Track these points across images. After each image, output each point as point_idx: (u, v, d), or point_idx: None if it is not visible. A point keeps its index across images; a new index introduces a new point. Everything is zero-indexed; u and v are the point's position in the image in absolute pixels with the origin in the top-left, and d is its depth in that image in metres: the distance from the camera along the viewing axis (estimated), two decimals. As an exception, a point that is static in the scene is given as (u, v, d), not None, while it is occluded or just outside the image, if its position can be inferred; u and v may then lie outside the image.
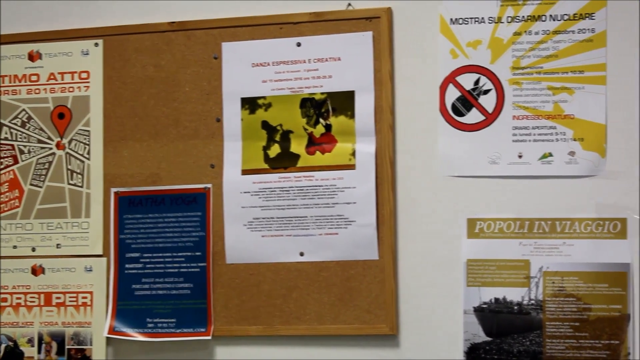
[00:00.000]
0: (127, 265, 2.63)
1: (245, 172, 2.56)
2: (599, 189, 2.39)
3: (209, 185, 2.58)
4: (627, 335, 2.35)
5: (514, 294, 2.42)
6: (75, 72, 2.67)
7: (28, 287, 2.67)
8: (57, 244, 2.65)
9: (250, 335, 2.55)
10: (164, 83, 2.62)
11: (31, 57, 2.69)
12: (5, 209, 2.69)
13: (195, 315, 2.57)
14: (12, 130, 2.70)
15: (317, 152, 2.51)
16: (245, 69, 2.56)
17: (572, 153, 2.39)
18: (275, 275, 2.54)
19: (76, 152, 2.65)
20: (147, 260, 2.61)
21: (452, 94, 2.47)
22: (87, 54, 2.66)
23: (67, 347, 2.65)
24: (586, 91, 2.39)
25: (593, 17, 2.39)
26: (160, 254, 2.61)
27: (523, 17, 2.43)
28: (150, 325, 2.60)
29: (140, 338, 2.60)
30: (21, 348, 2.67)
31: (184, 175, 2.60)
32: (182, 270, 2.58)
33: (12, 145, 2.69)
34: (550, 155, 2.41)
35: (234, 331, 2.56)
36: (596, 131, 2.38)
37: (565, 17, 2.40)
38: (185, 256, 2.59)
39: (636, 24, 2.37)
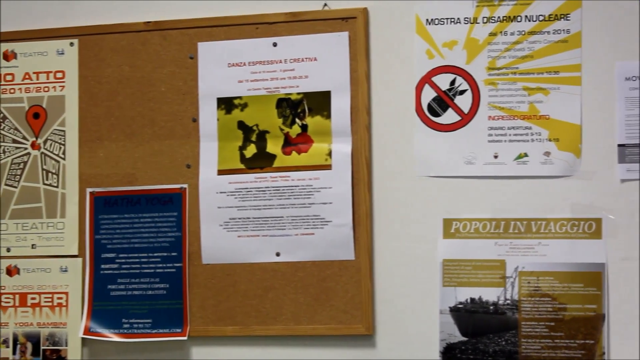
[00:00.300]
0: (102, 266, 2.57)
1: (221, 172, 2.51)
2: (574, 189, 2.36)
3: (185, 186, 2.54)
4: (602, 335, 2.33)
5: (490, 294, 2.39)
6: (51, 72, 2.62)
7: (3, 287, 2.61)
8: (32, 245, 2.60)
9: (226, 336, 2.51)
10: (139, 83, 2.57)
11: (6, 56, 2.64)
12: (-20, 209, 2.61)
13: (171, 316, 2.53)
14: (-14, 130, 2.62)
15: (293, 152, 2.47)
16: (221, 69, 2.51)
17: (547, 153, 2.37)
18: (251, 276, 2.50)
19: (51, 152, 2.59)
20: (123, 260, 2.57)
21: (428, 95, 2.44)
22: (63, 53, 2.60)
23: (42, 347, 2.60)
24: (561, 92, 2.37)
25: (568, 18, 2.36)
26: (136, 255, 2.56)
27: (499, 17, 2.39)
28: (126, 325, 2.55)
29: (116, 339, 2.55)
30: (-4, 349, 2.60)
31: (159, 176, 2.55)
32: (157, 270, 2.54)
33: (-13, 145, 2.62)
34: (526, 155, 2.38)
35: (210, 331, 2.52)
36: (571, 131, 2.36)
37: (541, 18, 2.38)
38: (161, 256, 2.54)
39: (611, 24, 2.35)
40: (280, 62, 2.49)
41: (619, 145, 2.34)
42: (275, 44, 2.49)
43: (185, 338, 2.52)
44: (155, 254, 2.55)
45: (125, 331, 2.55)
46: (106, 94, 2.59)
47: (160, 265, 2.54)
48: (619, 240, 2.34)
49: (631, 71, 2.34)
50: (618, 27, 2.34)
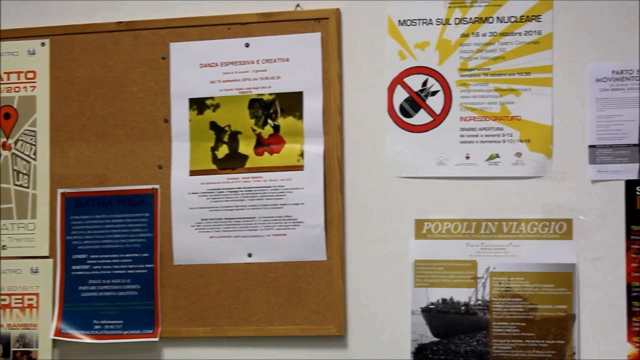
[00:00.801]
0: (73, 267, 2.49)
1: (193, 172, 2.44)
2: (545, 190, 2.32)
3: (157, 186, 2.46)
4: (573, 335, 2.28)
5: (461, 295, 2.34)
6: (22, 72, 2.54)
7: (-27, 289, 2.51)
8: (3, 246, 2.52)
9: (198, 337, 2.45)
10: (111, 83, 2.49)
11: (-24, 57, 2.55)
12: (-49, 209, 2.53)
13: (142, 317, 2.46)
14: (-43, 130, 2.54)
15: (266, 153, 2.40)
16: (193, 69, 2.44)
17: (518, 154, 2.31)
18: (223, 277, 2.43)
19: (22, 153, 2.51)
20: (94, 261, 2.49)
21: (400, 95, 2.38)
22: (34, 53, 2.52)
23: (12, 349, 2.51)
24: (533, 93, 2.32)
25: (540, 20, 2.31)
26: (107, 255, 2.48)
27: (471, 19, 2.34)
28: (97, 327, 2.48)
29: (87, 340, 2.48)
30: (-34, 350, 2.52)
31: (131, 176, 2.48)
32: (129, 271, 2.47)
33: (-42, 146, 2.54)
34: (497, 156, 2.33)
35: (181, 332, 2.45)
36: (542, 132, 2.31)
37: (512, 19, 2.33)
38: (133, 257, 2.47)
39: (582, 26, 2.31)
40: (253, 62, 2.43)
41: (590, 146, 2.30)
42: (247, 45, 2.43)
43: (156, 339, 2.45)
44: (127, 255, 2.47)
45: (96, 332, 2.48)
46: (78, 94, 2.51)
47: (132, 266, 2.47)
48: (589, 240, 2.30)
49: (602, 72, 2.29)
50: (589, 28, 2.30)
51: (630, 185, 2.28)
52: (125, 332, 2.46)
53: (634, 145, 2.28)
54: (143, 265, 2.46)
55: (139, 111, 2.48)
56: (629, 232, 2.28)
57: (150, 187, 2.47)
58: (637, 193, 2.28)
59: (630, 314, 2.28)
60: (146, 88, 2.48)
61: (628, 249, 2.28)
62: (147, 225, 2.47)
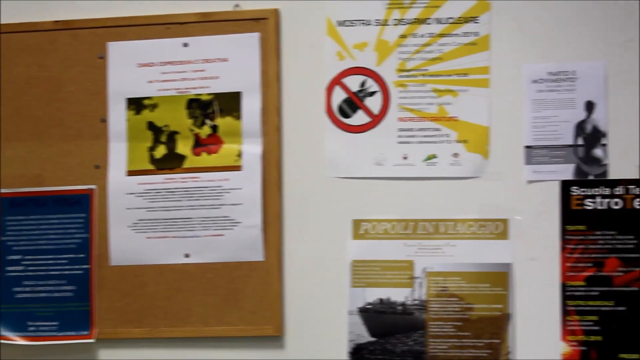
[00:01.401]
0: (8, 268, 2.38)
1: (130, 173, 2.35)
2: (482, 190, 2.26)
3: (94, 187, 2.36)
4: (508, 335, 2.23)
5: (398, 295, 2.27)
6: (-43, 71, 2.40)
7: None
8: None
9: (134, 338, 2.35)
10: (48, 83, 2.38)
11: None
12: None
13: (78, 318, 2.35)
14: None
15: (204, 153, 2.32)
16: (131, 69, 2.35)
17: (456, 155, 2.25)
18: (160, 277, 2.34)
19: (-43, 153, 2.38)
20: (29, 262, 2.38)
21: (339, 96, 2.31)
22: (-31, 52, 2.39)
23: (-55, 351, 2.37)
24: (470, 94, 2.26)
25: (477, 21, 2.25)
26: (43, 256, 2.37)
27: (409, 19, 2.28)
28: (32, 328, 2.37)
29: (22, 342, 2.37)
30: None
31: (67, 177, 2.37)
32: (65, 272, 2.36)
33: None
34: (435, 157, 2.27)
35: (118, 334, 2.35)
36: (479, 133, 2.25)
37: (450, 21, 2.26)
38: (69, 258, 2.36)
39: (519, 27, 2.25)
40: (191, 62, 2.34)
41: (526, 147, 2.25)
42: (186, 44, 2.34)
43: (92, 340, 2.35)
44: (63, 256, 2.36)
45: (32, 334, 2.37)
46: (14, 93, 2.40)
47: (68, 267, 2.36)
48: (525, 240, 2.25)
49: (538, 74, 2.24)
50: (526, 30, 2.25)
51: (565, 185, 2.24)
52: (60, 334, 2.36)
53: (569, 146, 2.23)
54: (79, 266, 2.36)
55: (76, 111, 2.37)
56: (563, 232, 2.24)
57: (86, 187, 2.37)
58: (572, 193, 2.23)
59: (565, 313, 2.23)
60: (83, 88, 2.37)
61: (563, 248, 2.23)
62: (83, 225, 2.36)
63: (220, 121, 2.32)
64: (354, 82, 2.31)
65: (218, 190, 2.31)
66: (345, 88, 2.30)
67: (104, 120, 2.36)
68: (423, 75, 2.28)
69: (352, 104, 2.30)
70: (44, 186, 2.38)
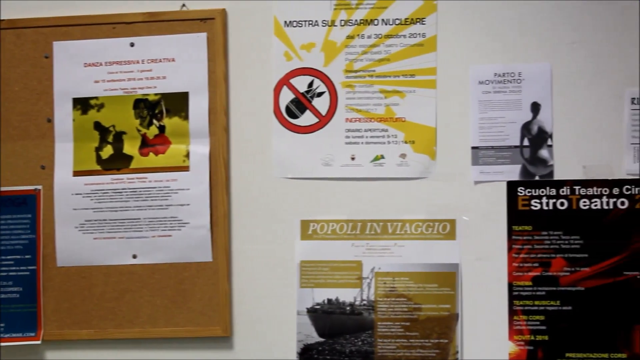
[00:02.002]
0: (-48, 269, 2.29)
1: (76, 173, 2.26)
2: (430, 191, 2.22)
3: (40, 187, 2.28)
4: (456, 334, 2.19)
5: (347, 295, 2.22)
6: None
7: None
8: None
9: (81, 339, 2.29)
10: (-7, 82, 2.29)
11: None
12: None
13: (24, 320, 2.28)
14: None
15: (151, 154, 2.24)
16: (77, 68, 2.26)
17: (403, 155, 2.19)
18: (107, 278, 2.27)
19: None
20: (-25, 263, 2.29)
21: (286, 96, 2.24)
22: None
23: None
24: (417, 95, 2.20)
25: (424, 22, 2.19)
26: (-12, 257, 2.28)
27: (356, 20, 2.21)
28: (-23, 330, 2.29)
29: (-32, 343, 2.28)
30: None
31: (13, 177, 2.29)
32: (10, 273, 2.28)
33: None
34: (382, 157, 2.21)
35: (65, 335, 2.28)
36: (426, 134, 2.19)
37: (397, 22, 2.21)
38: (14, 259, 2.28)
39: (466, 28, 2.20)
40: (138, 62, 2.26)
41: (473, 148, 2.20)
42: (132, 44, 2.25)
43: (39, 342, 2.28)
44: (8, 257, 2.28)
45: (-23, 335, 2.29)
46: (-42, 93, 2.30)
47: (13, 268, 2.28)
48: (472, 241, 2.21)
49: (485, 75, 2.19)
50: (472, 31, 2.20)
51: (511, 186, 2.19)
52: (6, 335, 2.28)
53: (515, 146, 2.18)
54: (25, 267, 2.28)
55: (21, 111, 2.29)
56: (510, 233, 2.19)
57: (32, 187, 2.28)
58: (519, 194, 2.18)
59: (512, 312, 2.20)
60: (28, 87, 2.28)
61: (509, 249, 2.19)
62: (29, 226, 2.28)
63: (168, 121, 2.24)
64: (301, 83, 2.24)
65: (166, 190, 2.24)
66: (292, 89, 2.23)
67: (50, 120, 2.28)
68: (370, 76, 2.22)
69: (300, 104, 2.24)
70: (-11, 187, 2.31)
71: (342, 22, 2.22)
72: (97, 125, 2.26)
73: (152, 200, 2.24)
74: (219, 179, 2.23)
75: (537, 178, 2.18)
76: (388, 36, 2.21)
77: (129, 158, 2.25)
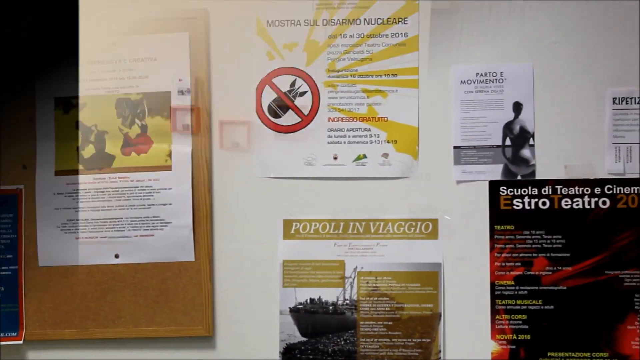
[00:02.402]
0: None
1: (58, 172, 2.23)
2: (412, 191, 2.19)
3: (21, 187, 2.24)
4: (438, 334, 2.17)
5: (329, 294, 2.19)
6: None
7: None
8: None
9: (64, 339, 2.25)
10: (-26, 81, 2.25)
11: None
12: None
13: (6, 320, 2.24)
14: None
15: (133, 153, 2.20)
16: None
17: (385, 155, 2.16)
18: (89, 278, 2.23)
19: None
20: (-44, 263, 2.25)
21: (269, 96, 2.21)
22: None
23: None
24: (399, 94, 2.17)
25: (406, 22, 2.16)
26: (-30, 257, 2.25)
27: (338, 20, 2.18)
28: (-41, 330, 2.26)
29: (-51, 344, 2.24)
30: None
31: (-6, 177, 2.24)
32: (-8, 273, 2.23)
33: None
34: (365, 157, 2.18)
35: (47, 335, 2.25)
36: (409, 133, 2.16)
37: (379, 21, 2.17)
38: (-4, 259, 2.23)
39: (447, 28, 2.16)
40: (120, 62, 2.18)
41: (455, 147, 2.17)
42: (114, 44, 2.17)
43: (20, 342, 2.24)
44: (-10, 257, 2.24)
45: (-42, 336, 2.26)
46: (-62, 92, 2.26)
47: (-5, 268, 2.24)
48: (454, 240, 2.18)
49: (467, 74, 2.17)
50: (454, 31, 2.15)
51: (493, 185, 2.16)
52: (-12, 335, 2.25)
53: (497, 146, 2.15)
54: (7, 267, 2.24)
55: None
56: (492, 232, 2.17)
57: (14, 187, 2.25)
58: (501, 193, 2.16)
59: (494, 312, 2.17)
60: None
61: (492, 248, 2.16)
62: (11, 226, 2.24)
63: (150, 121, 2.21)
64: (284, 82, 2.20)
65: (148, 190, 2.20)
66: (275, 88, 2.20)
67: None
68: (353, 75, 2.18)
69: (282, 104, 2.20)
70: (-29, 186, 2.27)
71: (325, 22, 2.18)
72: (79, 125, 2.22)
73: (135, 200, 2.21)
74: (201, 178, 2.20)
75: (519, 178, 2.15)
76: (370, 36, 2.18)
77: (111, 157, 2.22)
